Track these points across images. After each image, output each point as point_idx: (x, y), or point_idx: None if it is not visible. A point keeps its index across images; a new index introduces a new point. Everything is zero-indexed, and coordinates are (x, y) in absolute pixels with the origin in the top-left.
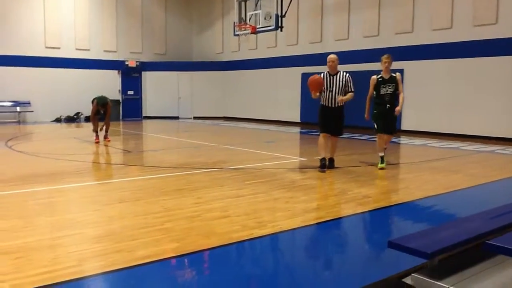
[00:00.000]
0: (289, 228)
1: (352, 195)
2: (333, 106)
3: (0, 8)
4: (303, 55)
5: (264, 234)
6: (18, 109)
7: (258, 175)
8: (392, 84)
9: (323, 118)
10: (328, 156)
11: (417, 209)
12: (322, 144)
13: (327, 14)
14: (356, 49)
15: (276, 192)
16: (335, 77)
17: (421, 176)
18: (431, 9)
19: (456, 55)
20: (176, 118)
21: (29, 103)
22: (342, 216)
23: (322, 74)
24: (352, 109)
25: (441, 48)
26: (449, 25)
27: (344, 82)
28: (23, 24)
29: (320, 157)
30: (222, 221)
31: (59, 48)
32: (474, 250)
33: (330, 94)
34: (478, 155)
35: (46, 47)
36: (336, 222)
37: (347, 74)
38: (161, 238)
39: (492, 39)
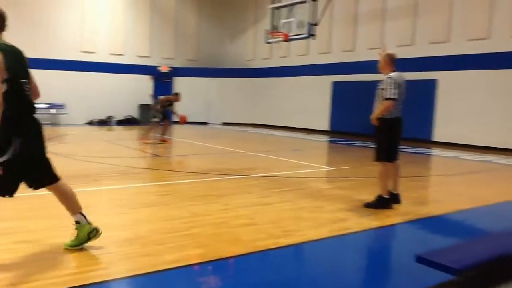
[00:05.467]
0: (315, 238)
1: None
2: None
3: (40, 12)
4: (334, 63)
5: (290, 243)
6: (52, 111)
7: (285, 183)
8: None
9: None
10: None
11: (447, 223)
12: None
13: (360, 22)
14: None
15: (303, 201)
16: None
17: (452, 189)
18: (467, 19)
19: (493, 66)
20: (205, 123)
21: (63, 105)
22: (369, 228)
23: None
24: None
25: (477, 59)
26: (487, 36)
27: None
28: (61, 29)
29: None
30: (248, 229)
31: (94, 52)
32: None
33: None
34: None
35: (82, 52)
36: (364, 234)
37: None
38: (187, 243)
39: None
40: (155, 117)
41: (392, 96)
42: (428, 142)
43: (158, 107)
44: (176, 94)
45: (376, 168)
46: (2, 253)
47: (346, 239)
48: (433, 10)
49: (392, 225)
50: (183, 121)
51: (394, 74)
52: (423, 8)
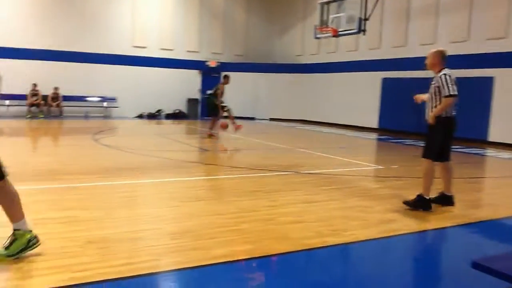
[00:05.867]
0: (364, 239)
1: (432, 209)
2: (425, 119)
3: (93, 8)
4: (385, 59)
5: (338, 242)
6: (105, 104)
7: (333, 181)
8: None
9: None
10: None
11: (502, 228)
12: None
13: (413, 17)
14: None
15: (351, 200)
16: (433, 79)
17: (508, 192)
18: None
19: None
20: (252, 119)
21: (115, 99)
22: (420, 230)
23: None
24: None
25: None
26: None
27: (434, 86)
28: (114, 24)
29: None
30: (296, 226)
31: (145, 47)
32: None
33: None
34: None
35: (134, 46)
36: (414, 236)
37: (441, 73)
38: (236, 238)
39: None
40: (224, 108)
41: (453, 93)
42: (483, 142)
43: (220, 102)
44: (225, 77)
45: (422, 166)
46: (59, 241)
47: (396, 241)
48: (490, 5)
49: (444, 228)
50: (225, 127)
51: (449, 71)
52: (479, 2)
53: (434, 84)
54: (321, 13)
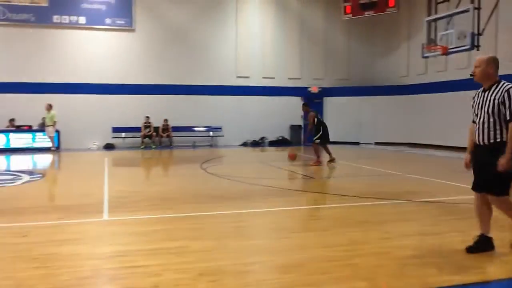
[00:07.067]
0: (496, 278)
1: None
2: (479, 143)
3: (200, 43)
4: (503, 75)
5: (465, 282)
6: (211, 133)
7: (452, 210)
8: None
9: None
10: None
11: None
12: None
13: None
14: None
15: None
16: (487, 92)
17: None
18: None
19: None
20: (357, 143)
21: (220, 128)
22: None
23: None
24: None
25: None
26: None
27: (496, 101)
28: (218, 57)
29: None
30: (413, 262)
31: (248, 77)
32: None
33: (478, 123)
34: None
35: (237, 77)
36: None
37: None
38: (349, 274)
39: None
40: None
41: None
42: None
43: None
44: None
45: (499, 205)
46: (173, 273)
47: None
48: None
49: None
50: (293, 159)
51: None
52: None
53: (497, 98)
54: (428, 31)
